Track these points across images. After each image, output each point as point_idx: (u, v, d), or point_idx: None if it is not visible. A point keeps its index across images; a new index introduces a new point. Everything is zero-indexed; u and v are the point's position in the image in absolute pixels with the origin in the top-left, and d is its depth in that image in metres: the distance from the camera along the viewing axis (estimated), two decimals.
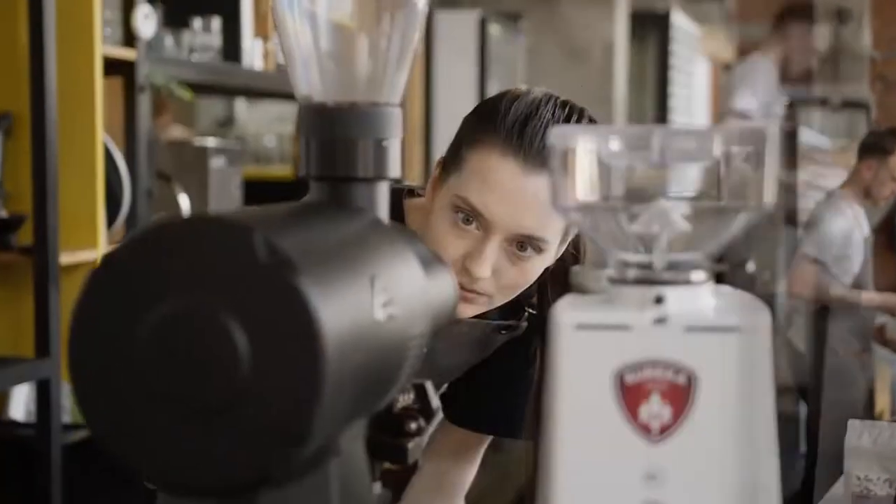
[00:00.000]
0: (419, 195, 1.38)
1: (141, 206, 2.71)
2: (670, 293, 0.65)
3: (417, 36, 0.78)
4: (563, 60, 5.50)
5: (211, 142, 3.32)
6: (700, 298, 0.66)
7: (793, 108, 4.53)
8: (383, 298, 0.66)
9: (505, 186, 1.23)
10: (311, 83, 0.76)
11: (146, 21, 2.68)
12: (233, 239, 0.58)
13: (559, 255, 1.32)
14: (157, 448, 0.59)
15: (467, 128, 1.29)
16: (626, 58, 5.81)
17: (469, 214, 1.24)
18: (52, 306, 2.34)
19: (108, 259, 0.60)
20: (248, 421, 0.58)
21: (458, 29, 4.87)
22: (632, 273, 0.66)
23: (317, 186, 0.76)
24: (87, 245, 2.52)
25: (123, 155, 2.70)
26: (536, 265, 1.27)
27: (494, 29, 5.06)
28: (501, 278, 1.26)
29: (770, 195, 0.64)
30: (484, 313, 1.35)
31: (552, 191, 0.67)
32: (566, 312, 0.65)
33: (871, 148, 4.32)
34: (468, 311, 1.29)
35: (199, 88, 3.41)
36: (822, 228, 4.26)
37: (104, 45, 2.59)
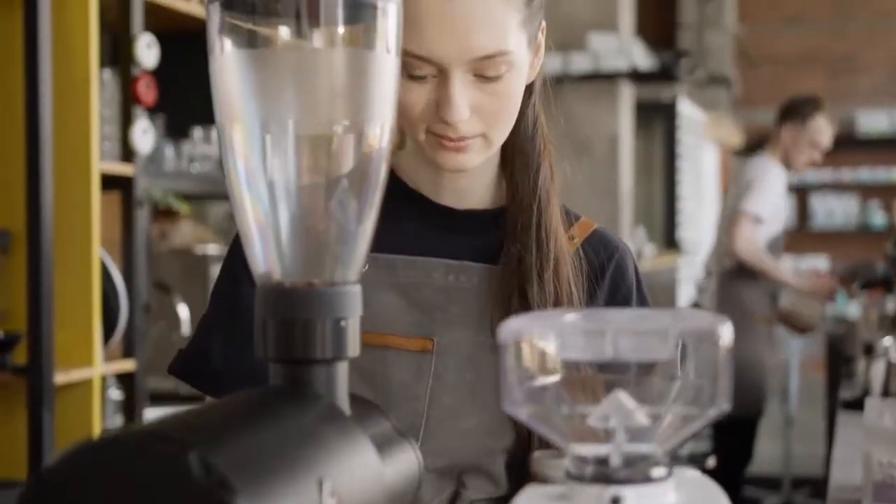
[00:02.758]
0: None
1: (139, 321, 2.70)
2: (628, 492, 0.63)
3: (375, 212, 0.77)
4: (568, 154, 5.51)
5: (213, 249, 3.32)
6: (660, 496, 0.64)
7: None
8: (332, 502, 0.63)
9: (435, 17, 1.12)
10: (268, 262, 0.75)
11: (144, 136, 2.69)
12: (167, 457, 0.56)
13: (537, 68, 1.24)
14: None
15: None
16: (631, 150, 5.82)
17: (415, 67, 1.14)
18: (45, 428, 2.31)
19: (40, 477, 0.58)
20: None
21: None
22: (588, 470, 0.64)
23: (274, 369, 0.74)
24: (83, 363, 2.50)
25: (121, 269, 2.70)
26: (512, 82, 1.18)
27: None
28: (484, 112, 1.17)
29: (726, 396, 0.62)
30: None
31: (502, 386, 0.65)
32: None
33: (790, 112, 4.34)
34: (469, 160, 1.19)
35: (201, 196, 3.42)
36: (760, 185, 4.23)
37: (102, 161, 2.60)
